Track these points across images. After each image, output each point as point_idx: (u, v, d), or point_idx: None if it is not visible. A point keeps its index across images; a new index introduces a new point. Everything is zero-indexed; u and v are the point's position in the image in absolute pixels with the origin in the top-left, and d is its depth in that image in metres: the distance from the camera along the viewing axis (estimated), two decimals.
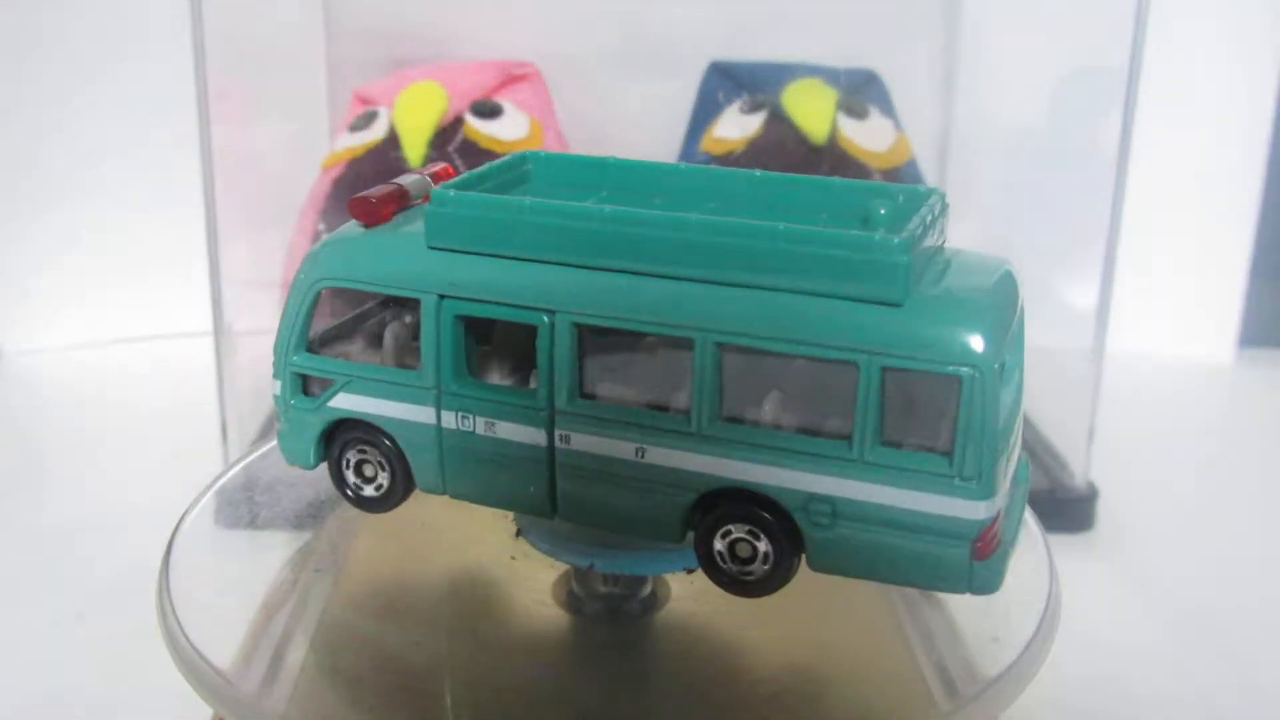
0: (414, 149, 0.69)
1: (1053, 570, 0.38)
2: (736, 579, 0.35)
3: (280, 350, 0.38)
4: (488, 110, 0.72)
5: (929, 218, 0.34)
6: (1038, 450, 0.71)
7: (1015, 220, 0.87)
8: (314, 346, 0.38)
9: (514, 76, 0.76)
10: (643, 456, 0.35)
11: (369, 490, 0.38)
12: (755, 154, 0.73)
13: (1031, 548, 0.40)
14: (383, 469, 0.38)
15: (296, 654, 0.37)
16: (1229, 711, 0.52)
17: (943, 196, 0.35)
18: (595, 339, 0.35)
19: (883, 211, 0.33)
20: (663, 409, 0.34)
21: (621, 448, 0.35)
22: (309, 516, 0.46)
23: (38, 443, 0.79)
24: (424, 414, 0.37)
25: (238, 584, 0.42)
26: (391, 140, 0.69)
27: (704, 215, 0.34)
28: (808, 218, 0.36)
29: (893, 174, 0.74)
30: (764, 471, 0.33)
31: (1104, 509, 0.67)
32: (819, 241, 0.32)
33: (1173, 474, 0.75)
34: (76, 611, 0.56)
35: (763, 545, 0.34)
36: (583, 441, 0.35)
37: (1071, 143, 0.76)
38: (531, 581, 0.40)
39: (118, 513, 0.66)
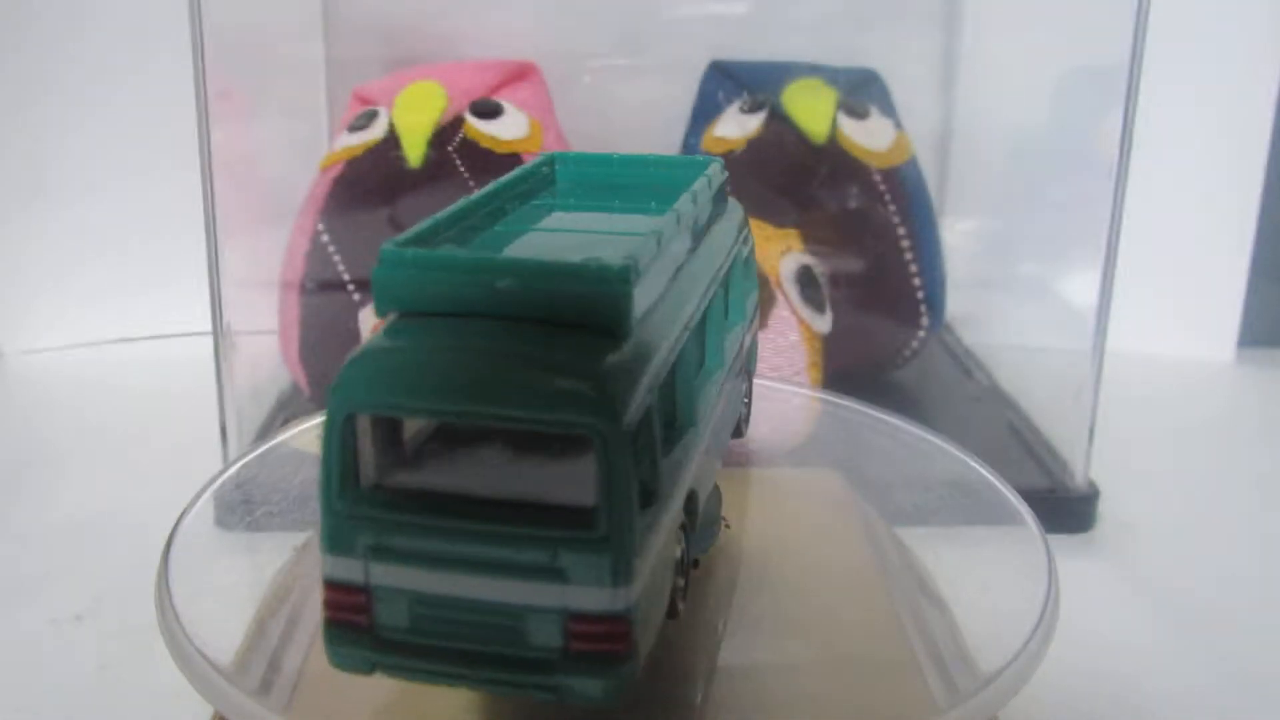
0: (413, 149, 0.69)
1: (1053, 570, 0.38)
2: None
3: None
4: (487, 110, 0.72)
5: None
6: (1038, 450, 0.71)
7: (1015, 220, 0.87)
8: None
9: (514, 76, 0.76)
10: None
11: None
12: (755, 153, 0.73)
13: (1031, 547, 0.40)
14: None
15: (296, 654, 0.37)
16: (1229, 711, 0.52)
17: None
18: None
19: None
20: None
21: None
22: (308, 516, 0.46)
23: (37, 443, 0.79)
24: None
25: (237, 584, 0.42)
26: (391, 140, 0.69)
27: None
28: None
29: (893, 173, 0.74)
30: None
31: (1104, 509, 0.67)
32: None
33: (1173, 474, 0.75)
34: (75, 612, 0.56)
35: None
36: None
37: (1071, 142, 0.76)
38: None
39: (117, 513, 0.66)
